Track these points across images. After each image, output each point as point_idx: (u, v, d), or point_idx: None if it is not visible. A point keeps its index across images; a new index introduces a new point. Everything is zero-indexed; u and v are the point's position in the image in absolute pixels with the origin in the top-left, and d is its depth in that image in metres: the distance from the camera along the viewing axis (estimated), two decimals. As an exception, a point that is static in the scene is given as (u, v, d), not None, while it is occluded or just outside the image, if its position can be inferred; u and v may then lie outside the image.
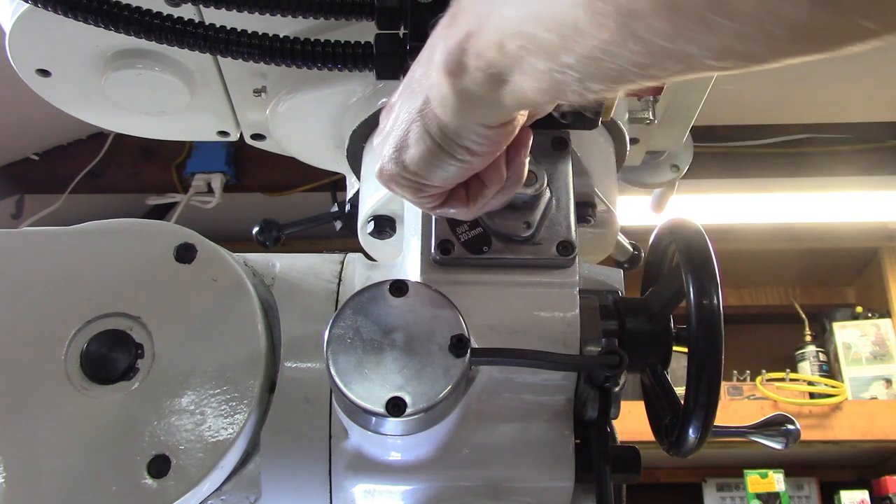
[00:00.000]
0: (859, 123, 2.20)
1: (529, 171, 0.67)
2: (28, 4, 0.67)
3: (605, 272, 0.74)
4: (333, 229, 0.98)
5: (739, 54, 0.37)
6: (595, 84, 0.42)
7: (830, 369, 2.48)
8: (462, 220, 0.62)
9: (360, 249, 0.82)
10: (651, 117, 0.88)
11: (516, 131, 0.54)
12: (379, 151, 0.57)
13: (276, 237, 0.96)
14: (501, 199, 0.61)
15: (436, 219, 0.68)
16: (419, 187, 0.56)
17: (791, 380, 2.37)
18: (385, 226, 0.80)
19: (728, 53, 0.37)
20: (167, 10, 0.69)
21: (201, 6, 0.71)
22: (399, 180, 0.56)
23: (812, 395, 2.33)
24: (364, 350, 0.57)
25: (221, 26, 0.68)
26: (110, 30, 0.67)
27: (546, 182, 0.67)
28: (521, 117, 0.53)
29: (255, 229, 0.95)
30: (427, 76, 0.51)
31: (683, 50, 0.37)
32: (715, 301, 0.62)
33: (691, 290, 0.63)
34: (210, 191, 2.24)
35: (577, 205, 0.70)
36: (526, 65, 0.44)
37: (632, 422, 0.82)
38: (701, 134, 1.15)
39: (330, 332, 0.58)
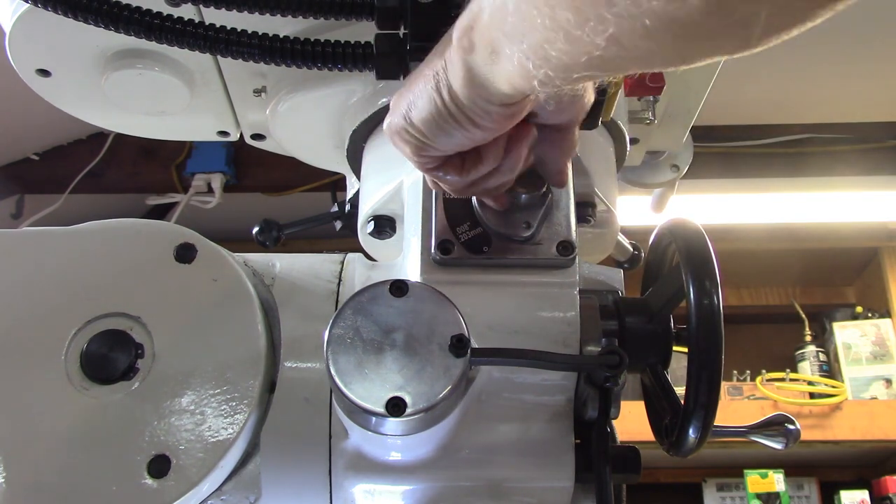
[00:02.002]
0: (859, 123, 2.20)
1: (529, 170, 0.67)
2: (28, 4, 0.67)
3: (605, 272, 0.74)
4: (333, 229, 0.98)
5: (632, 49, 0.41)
6: (550, 71, 0.45)
7: (830, 369, 2.48)
8: (452, 190, 0.63)
9: (360, 249, 0.82)
10: (651, 117, 0.88)
11: (521, 114, 0.55)
12: (393, 103, 0.59)
13: (276, 237, 0.96)
14: (494, 182, 0.62)
15: (436, 219, 0.68)
16: (421, 146, 0.58)
17: (791, 380, 2.37)
18: (385, 226, 0.80)
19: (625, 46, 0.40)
20: (167, 10, 0.69)
21: (201, 6, 0.71)
22: (403, 135, 0.58)
23: (812, 395, 2.33)
24: (364, 350, 0.57)
25: (221, 26, 0.68)
26: (110, 30, 0.67)
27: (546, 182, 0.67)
28: (528, 102, 0.54)
29: (255, 229, 0.95)
30: (449, 42, 0.53)
31: (592, 41, 0.41)
32: (715, 301, 0.62)
33: (691, 290, 0.63)
34: (210, 191, 2.24)
35: (577, 205, 0.70)
36: (506, 47, 0.47)
37: (632, 422, 0.82)
38: (701, 134, 1.15)
39: (330, 332, 0.58)
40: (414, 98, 0.56)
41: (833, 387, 2.36)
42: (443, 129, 0.55)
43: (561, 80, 0.46)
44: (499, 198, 0.67)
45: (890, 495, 2.34)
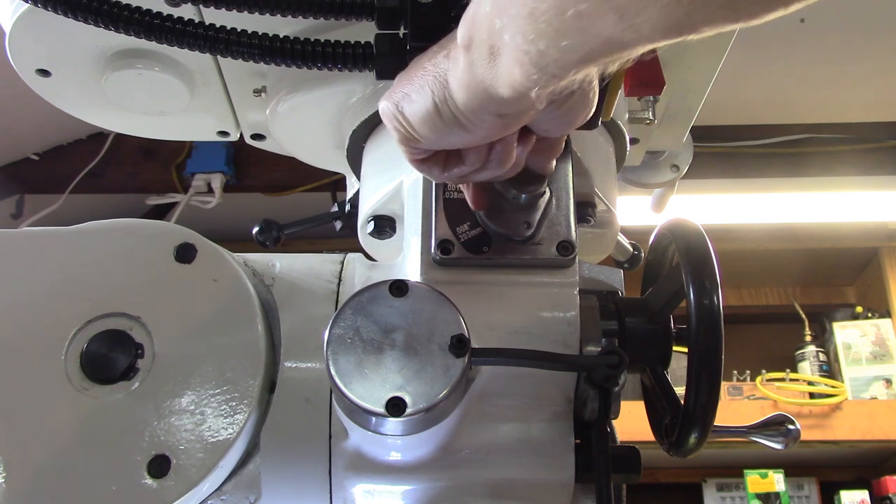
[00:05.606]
0: (859, 123, 2.20)
1: (529, 169, 0.67)
2: (28, 4, 0.67)
3: (605, 272, 0.74)
4: (333, 229, 0.98)
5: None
6: (555, 67, 0.44)
7: (830, 369, 2.48)
8: (435, 180, 0.62)
9: (360, 249, 0.82)
10: (651, 117, 0.88)
11: (517, 125, 0.54)
12: (392, 87, 0.57)
13: (276, 237, 0.96)
14: (479, 177, 0.61)
15: (436, 219, 0.68)
16: (408, 138, 0.57)
17: (791, 380, 2.37)
18: (385, 226, 0.80)
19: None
20: (167, 10, 0.69)
21: (201, 6, 0.71)
22: (394, 123, 0.57)
23: (812, 395, 2.34)
24: (364, 350, 0.57)
25: (221, 26, 0.68)
26: (110, 30, 0.66)
27: (546, 182, 0.67)
28: (526, 113, 0.52)
29: (255, 229, 0.95)
30: (451, 41, 0.52)
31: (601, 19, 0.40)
32: (715, 301, 0.62)
33: (691, 290, 0.63)
34: (210, 191, 2.24)
35: (577, 205, 0.70)
36: (508, 30, 0.45)
37: (632, 422, 0.82)
38: (701, 134, 1.15)
39: (330, 332, 0.58)
40: (409, 90, 0.55)
41: (833, 387, 2.36)
42: (433, 130, 0.54)
43: (560, 66, 0.44)
44: (476, 195, 0.65)
45: (890, 495, 2.34)
